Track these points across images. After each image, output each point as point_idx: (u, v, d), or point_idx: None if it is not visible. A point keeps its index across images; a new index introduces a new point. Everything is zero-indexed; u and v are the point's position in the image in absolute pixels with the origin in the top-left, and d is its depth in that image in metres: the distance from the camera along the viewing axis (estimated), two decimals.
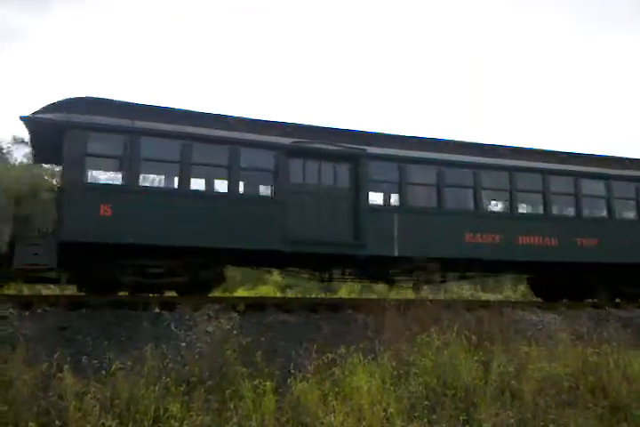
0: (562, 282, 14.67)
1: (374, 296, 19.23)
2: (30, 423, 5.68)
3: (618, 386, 7.96)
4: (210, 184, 12.18)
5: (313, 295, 20.01)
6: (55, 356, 6.75)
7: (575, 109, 78.18)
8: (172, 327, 8.47)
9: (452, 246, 12.51)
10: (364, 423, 6.42)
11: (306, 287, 22.12)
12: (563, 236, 13.40)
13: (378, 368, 7.46)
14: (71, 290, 16.42)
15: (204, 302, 9.83)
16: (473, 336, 8.44)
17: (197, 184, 11.72)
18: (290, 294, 22.20)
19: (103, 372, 6.75)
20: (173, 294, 11.57)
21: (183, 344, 7.82)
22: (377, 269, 12.73)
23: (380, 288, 21.62)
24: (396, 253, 12.08)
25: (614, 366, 8.36)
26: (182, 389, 6.59)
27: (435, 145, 13.31)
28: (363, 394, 6.79)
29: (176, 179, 11.23)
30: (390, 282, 13.55)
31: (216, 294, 13.04)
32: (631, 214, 15.01)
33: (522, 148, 14.39)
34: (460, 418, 6.93)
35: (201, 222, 10.78)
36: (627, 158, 15.23)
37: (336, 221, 11.87)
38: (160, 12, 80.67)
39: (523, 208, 14.80)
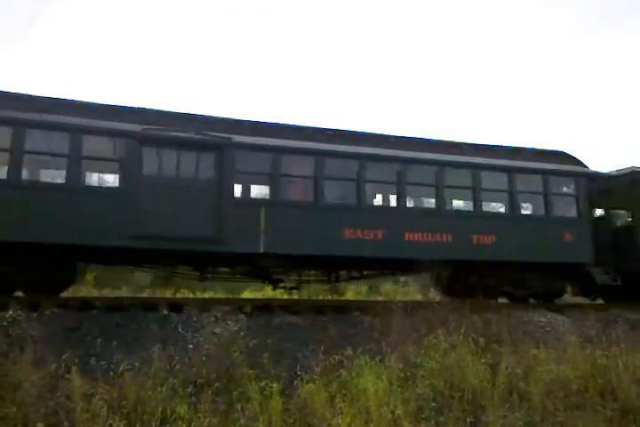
0: (465, 281, 13.31)
1: (381, 298, 19.19)
2: (38, 424, 5.71)
3: (627, 388, 7.90)
4: (50, 175, 11.47)
5: (320, 297, 19.99)
6: (63, 357, 6.77)
7: (576, 108, 77.92)
8: (180, 329, 8.49)
9: (328, 243, 11.48)
10: (371, 425, 6.41)
11: (312, 290, 22.09)
12: (457, 232, 12.40)
13: (385, 370, 7.44)
14: (80, 292, 16.56)
15: (211, 304, 9.85)
16: (480, 338, 8.40)
17: (32, 175, 11.09)
18: (296, 296, 22.18)
19: (111, 373, 6.76)
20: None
21: (190, 346, 7.84)
22: (245, 266, 11.99)
23: (388, 290, 21.62)
24: (262, 250, 11.09)
25: (623, 368, 8.29)
26: (189, 390, 6.61)
27: (313, 134, 12.37)
28: (370, 396, 6.77)
29: (5, 169, 10.27)
30: (273, 282, 12.70)
31: (223, 295, 13.04)
32: (537, 210, 14.16)
33: (416, 138, 13.43)
34: (468, 420, 6.90)
35: (36, 216, 9.89)
36: (532, 149, 14.26)
37: (196, 215, 10.88)
38: (158, 12, 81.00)
39: (413, 203, 13.97)
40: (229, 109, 75.41)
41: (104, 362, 7.17)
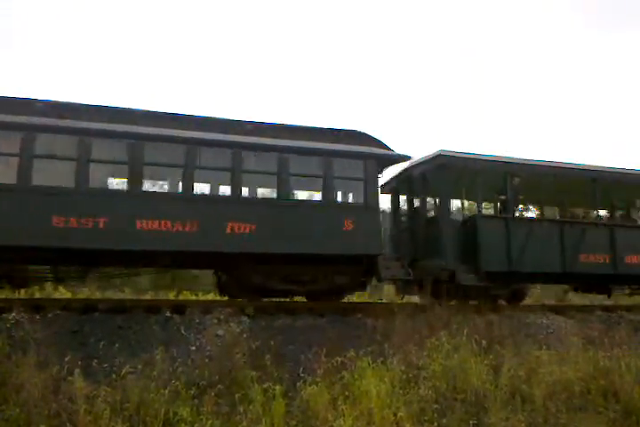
0: (232, 278, 11.71)
1: (383, 300, 19.17)
2: (41, 426, 5.73)
3: (630, 390, 7.90)
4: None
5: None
6: (66, 359, 6.79)
7: (587, 108, 77.84)
8: (182, 331, 8.50)
9: (33, 232, 9.75)
10: None
11: None
12: (206, 220, 10.66)
13: (387, 372, 7.44)
14: (83, 294, 16.59)
15: (214, 306, 9.84)
16: (483, 340, 8.40)
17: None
18: (298, 298, 22.16)
19: (113, 375, 6.78)
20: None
21: (193, 348, 7.85)
22: None
23: (391, 292, 21.59)
24: None
25: (626, 369, 8.29)
26: (192, 392, 6.62)
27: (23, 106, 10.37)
28: (372, 398, 6.77)
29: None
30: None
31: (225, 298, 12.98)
32: (313, 195, 12.73)
33: (159, 112, 11.36)
34: (470, 422, 6.91)
35: None
36: (318, 128, 12.20)
37: None
38: (156, 12, 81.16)
39: (154, 186, 12.81)
40: (227, 108, 75.19)
41: (106, 364, 7.20)
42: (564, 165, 13.38)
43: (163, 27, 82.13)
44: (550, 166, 13.23)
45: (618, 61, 77.80)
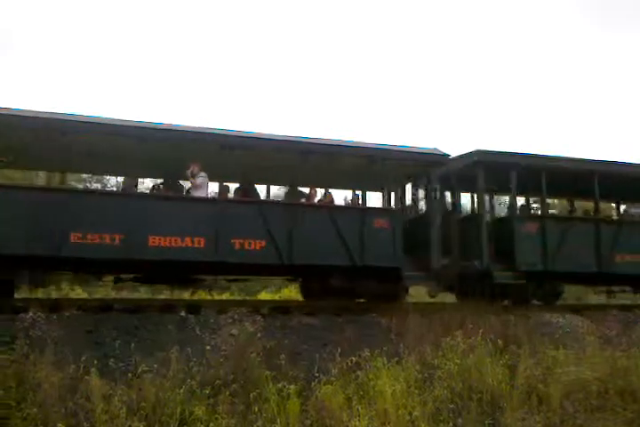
0: None
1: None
2: (59, 425, 5.77)
3: None
4: None
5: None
6: (82, 359, 6.84)
7: (587, 107, 77.11)
8: (197, 331, 8.52)
9: None
10: None
11: None
12: None
13: (402, 372, 7.41)
14: (99, 293, 16.71)
15: (228, 306, 9.88)
16: (499, 340, 8.35)
17: None
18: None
19: (129, 375, 6.82)
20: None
21: (208, 347, 7.87)
22: None
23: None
24: None
25: None
26: (207, 392, 6.63)
27: None
28: (387, 398, 6.75)
29: None
30: None
31: (240, 297, 13.04)
32: None
33: None
34: (486, 422, 6.87)
35: None
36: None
37: None
38: (156, 13, 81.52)
39: None
40: (224, 115, 75.12)
41: (123, 364, 7.24)
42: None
43: (162, 26, 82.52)
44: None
45: (618, 61, 76.95)
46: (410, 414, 6.59)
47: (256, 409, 6.49)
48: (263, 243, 10.63)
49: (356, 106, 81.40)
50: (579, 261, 12.55)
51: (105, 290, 17.38)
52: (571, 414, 7.16)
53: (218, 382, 6.91)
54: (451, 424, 6.69)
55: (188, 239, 10.19)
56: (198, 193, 11.09)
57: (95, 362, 6.92)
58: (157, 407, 6.30)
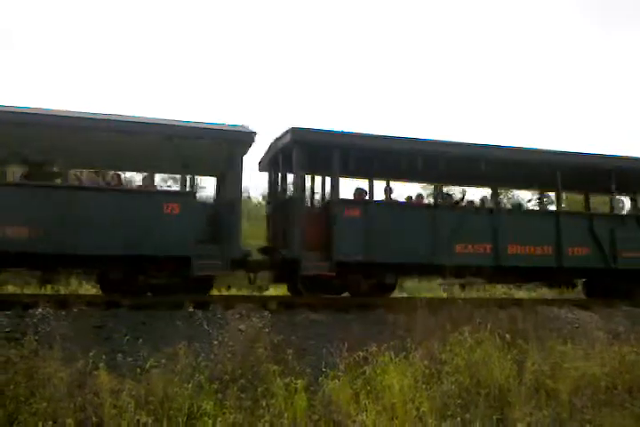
0: None
1: (405, 295, 19.11)
2: (68, 420, 5.79)
3: None
4: None
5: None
6: (91, 354, 6.86)
7: (588, 106, 76.57)
8: (205, 326, 8.54)
9: None
10: (396, 422, 6.37)
11: None
12: None
13: (409, 367, 7.40)
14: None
15: (236, 301, 9.90)
16: (507, 335, 8.33)
17: None
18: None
19: (138, 370, 6.84)
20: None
21: (215, 342, 7.88)
22: None
23: (411, 287, 21.51)
24: None
25: None
26: (215, 386, 6.64)
27: None
28: (395, 393, 6.74)
29: None
30: None
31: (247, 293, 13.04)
32: None
33: None
34: (494, 417, 6.83)
35: None
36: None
37: None
38: (156, 13, 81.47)
39: None
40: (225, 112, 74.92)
41: (131, 359, 7.27)
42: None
43: (162, 27, 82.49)
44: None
45: (618, 60, 76.32)
46: (417, 408, 6.57)
47: (264, 404, 6.49)
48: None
49: (357, 104, 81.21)
50: (410, 251, 11.39)
51: None
52: (579, 409, 7.13)
53: (226, 377, 6.92)
54: (458, 419, 6.66)
55: None
56: None
57: (104, 357, 6.92)
58: (165, 402, 6.31)
